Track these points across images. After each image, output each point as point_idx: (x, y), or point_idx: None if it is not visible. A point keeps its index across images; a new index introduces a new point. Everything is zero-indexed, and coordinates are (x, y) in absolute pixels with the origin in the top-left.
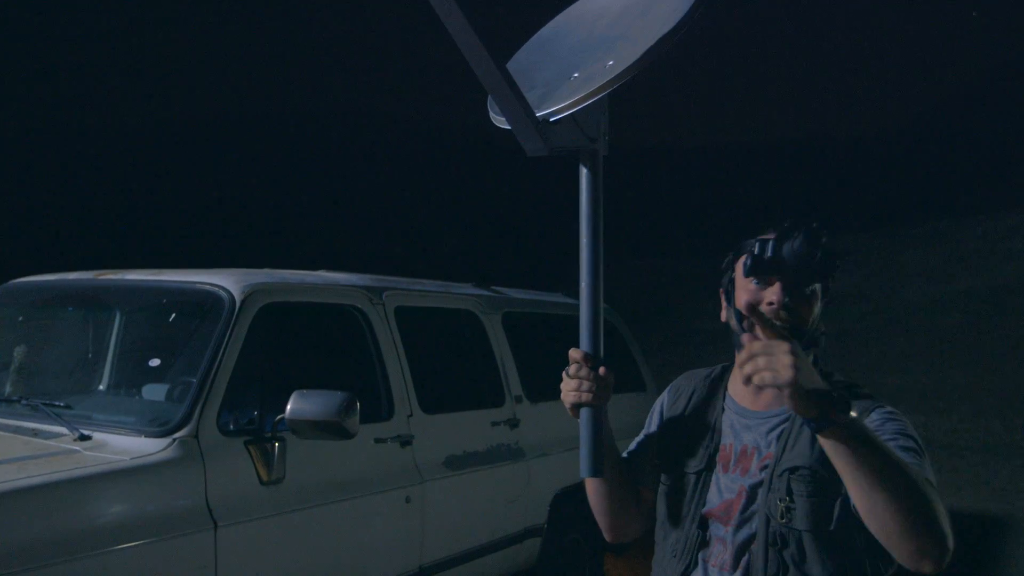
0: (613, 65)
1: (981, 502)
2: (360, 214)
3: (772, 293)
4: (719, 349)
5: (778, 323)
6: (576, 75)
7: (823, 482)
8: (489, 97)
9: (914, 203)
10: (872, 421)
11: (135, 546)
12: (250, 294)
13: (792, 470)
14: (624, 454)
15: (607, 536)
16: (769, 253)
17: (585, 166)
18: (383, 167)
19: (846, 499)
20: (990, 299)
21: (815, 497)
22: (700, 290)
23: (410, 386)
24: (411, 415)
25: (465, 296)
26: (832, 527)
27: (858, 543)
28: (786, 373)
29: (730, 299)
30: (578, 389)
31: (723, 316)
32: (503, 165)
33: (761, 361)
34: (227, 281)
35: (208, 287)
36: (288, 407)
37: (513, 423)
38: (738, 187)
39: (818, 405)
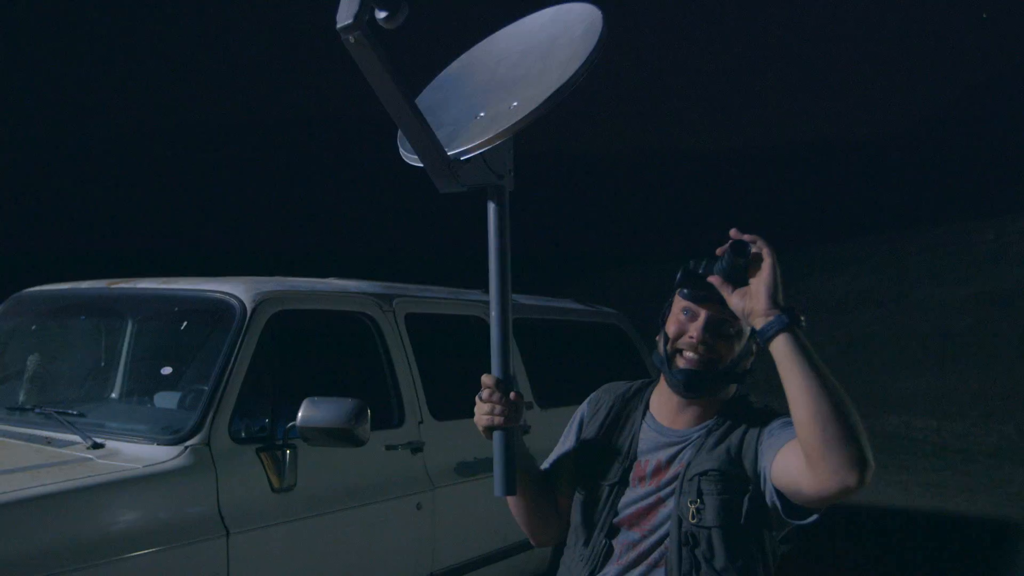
0: (517, 106)
1: (994, 506)
2: (370, 221)
3: (695, 328)
4: None
5: (693, 355)
6: (482, 114)
7: (732, 480)
8: (399, 135)
9: (924, 206)
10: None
11: (147, 554)
12: (261, 302)
13: (702, 473)
14: (544, 464)
15: (532, 541)
16: (701, 269)
17: (493, 201)
18: (393, 174)
19: (753, 496)
20: (1002, 302)
21: (725, 495)
22: None
23: (420, 393)
24: (421, 422)
25: (475, 303)
26: (742, 521)
27: (763, 534)
28: (768, 257)
29: (663, 324)
30: (491, 413)
31: (657, 338)
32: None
33: (760, 242)
34: (238, 289)
35: (219, 295)
36: (299, 414)
37: (524, 430)
38: (746, 191)
39: (784, 306)
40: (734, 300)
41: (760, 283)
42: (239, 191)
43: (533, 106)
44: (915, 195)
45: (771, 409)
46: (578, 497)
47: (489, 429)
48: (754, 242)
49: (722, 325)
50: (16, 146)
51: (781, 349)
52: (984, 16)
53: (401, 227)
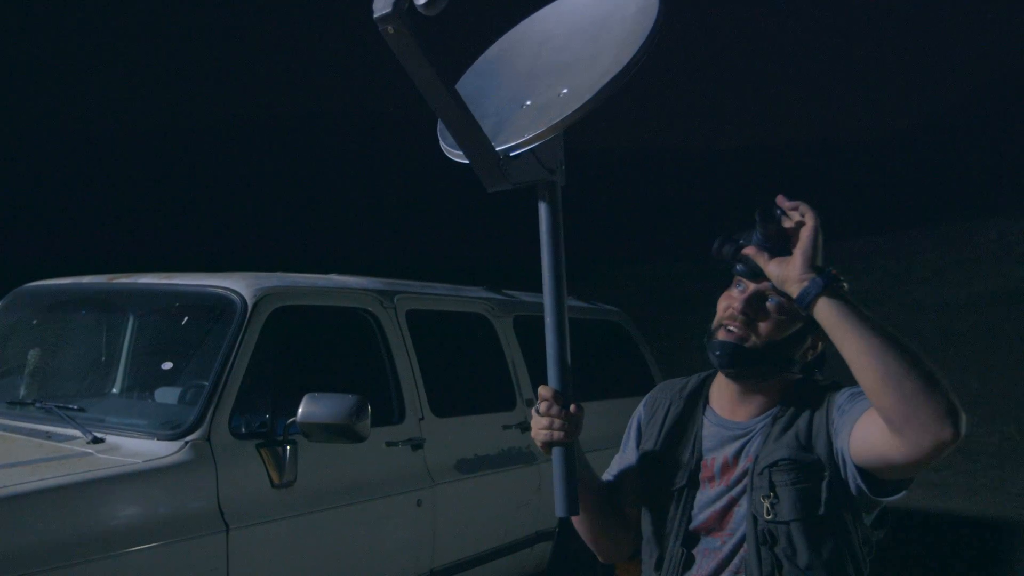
0: (568, 94)
1: (997, 507)
2: (371, 217)
3: (737, 299)
4: None
5: (732, 327)
6: (528, 103)
7: (806, 468)
8: (439, 129)
9: (926, 205)
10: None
11: (147, 548)
12: (262, 298)
13: (772, 464)
14: (606, 476)
15: (600, 558)
16: (741, 240)
17: (543, 199)
18: (395, 170)
19: (832, 480)
20: (1005, 302)
21: (800, 484)
22: (715, 292)
23: (421, 389)
24: (422, 418)
25: (476, 299)
26: (822, 511)
27: (848, 524)
28: (811, 221)
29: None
30: (549, 427)
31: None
32: None
33: (803, 207)
34: (239, 285)
35: (220, 291)
36: (299, 410)
37: (525, 427)
38: (750, 190)
39: (820, 268)
40: (771, 268)
41: (798, 248)
42: (242, 187)
43: (589, 94)
44: (917, 195)
45: (838, 384)
46: (647, 507)
47: (548, 444)
48: (796, 208)
49: (765, 299)
50: (18, 141)
51: (826, 313)
52: (988, 15)
53: (404, 224)
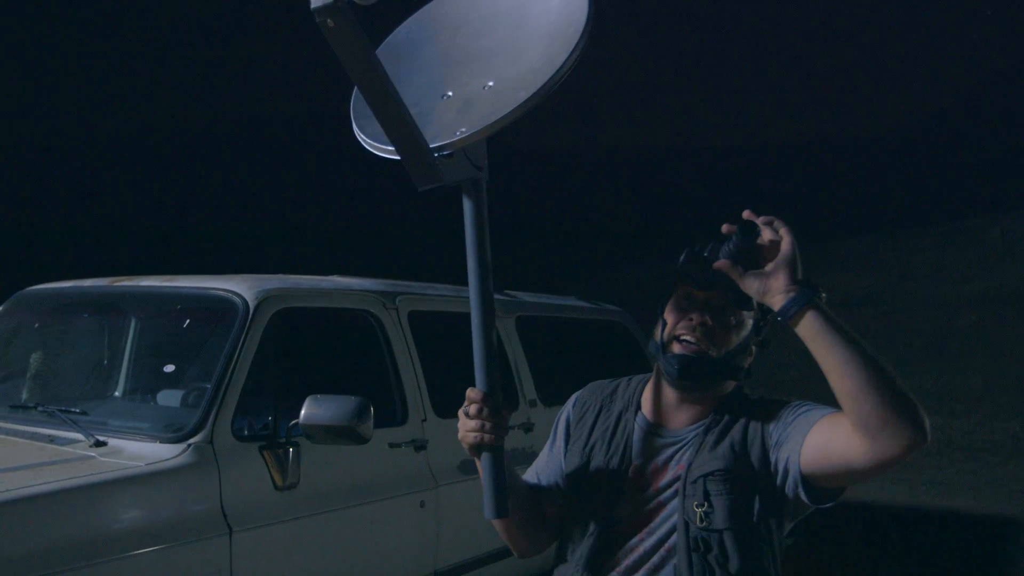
0: (493, 88)
1: (999, 504)
2: (373, 219)
3: (695, 312)
4: None
5: (691, 339)
6: (449, 94)
7: (739, 478)
8: (355, 117)
9: (928, 203)
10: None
11: (150, 552)
12: (263, 300)
13: (707, 475)
14: (529, 474)
15: (516, 554)
16: (707, 252)
17: (469, 195)
18: (394, 171)
19: (763, 491)
20: (1007, 299)
21: (734, 494)
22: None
23: (424, 390)
24: (425, 419)
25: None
26: (754, 519)
27: (772, 531)
28: (787, 235)
29: (662, 311)
30: (479, 430)
31: (655, 326)
32: (515, 167)
33: (777, 222)
34: (240, 287)
35: (222, 293)
36: (302, 412)
37: (527, 427)
38: (750, 188)
39: (803, 280)
40: (748, 281)
41: (780, 260)
42: (244, 189)
43: (523, 92)
44: (919, 192)
45: (770, 399)
46: (572, 506)
47: (477, 447)
48: (770, 223)
49: (724, 312)
50: (19, 143)
51: (811, 324)
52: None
53: (406, 225)
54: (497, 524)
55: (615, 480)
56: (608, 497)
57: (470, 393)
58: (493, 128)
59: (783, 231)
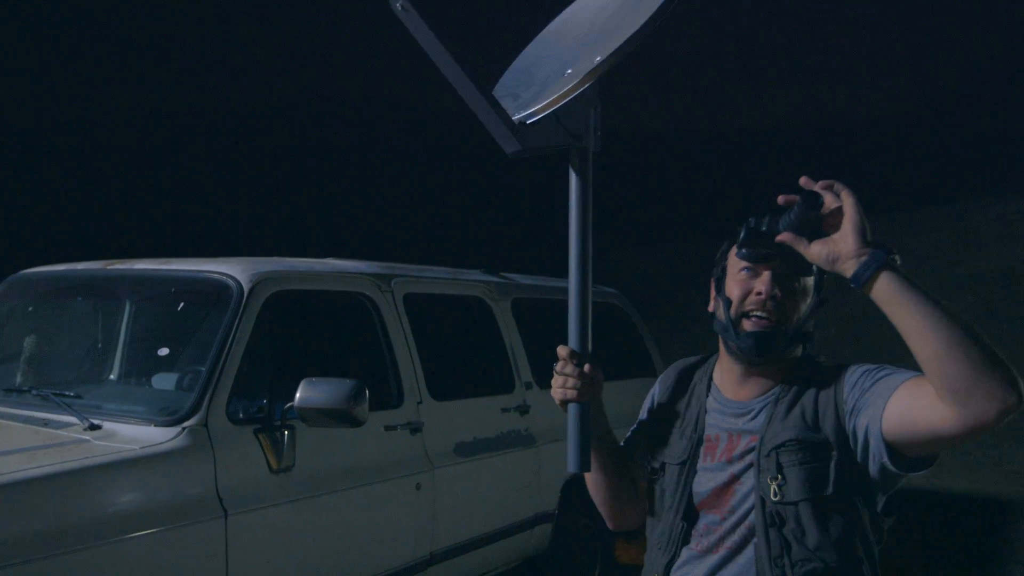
0: (599, 61)
1: (997, 485)
2: (369, 201)
3: (761, 283)
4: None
5: (763, 314)
6: (569, 71)
7: (813, 448)
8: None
9: (926, 185)
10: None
11: (145, 535)
12: (258, 282)
13: (779, 446)
14: (622, 443)
15: (609, 524)
16: (764, 227)
17: (572, 165)
18: (392, 154)
19: (840, 460)
20: (1003, 282)
21: (807, 464)
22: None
23: (419, 373)
24: (421, 402)
25: (474, 283)
26: (830, 491)
27: (856, 502)
28: (850, 197)
29: (720, 289)
30: (563, 386)
31: (711, 306)
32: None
33: (838, 186)
34: (235, 270)
35: (216, 276)
36: (297, 395)
37: (523, 409)
38: (746, 172)
39: (873, 243)
40: (815, 250)
41: (847, 224)
42: (239, 172)
43: (601, 56)
44: (917, 174)
45: (841, 364)
46: (650, 480)
47: (564, 402)
48: (830, 187)
49: (789, 280)
50: (12, 127)
51: (887, 287)
52: None
53: (402, 207)
54: (592, 488)
55: (688, 452)
56: (685, 471)
57: (560, 350)
58: (566, 94)
59: (844, 194)
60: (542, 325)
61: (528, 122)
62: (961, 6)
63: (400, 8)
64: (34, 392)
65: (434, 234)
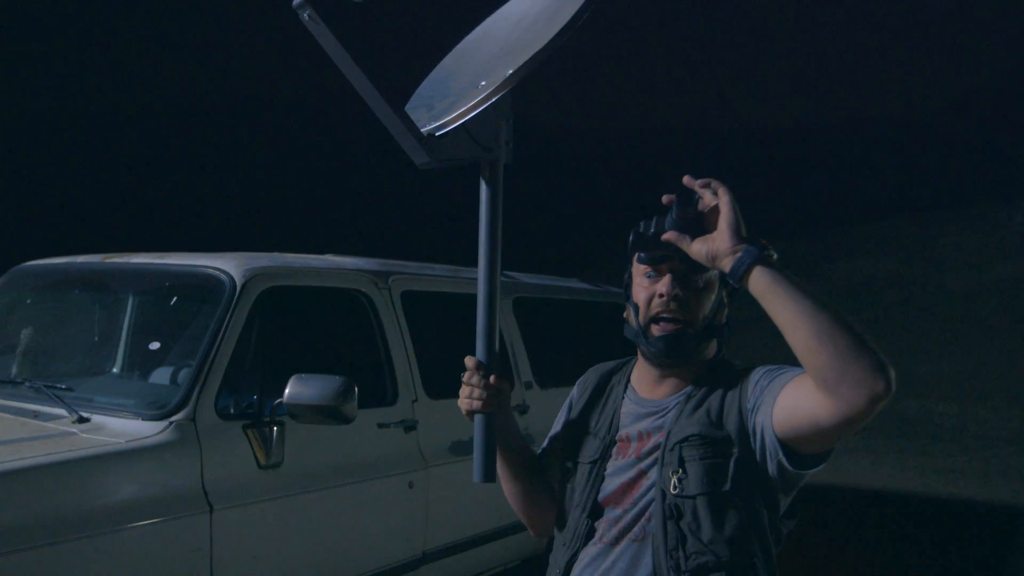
0: (511, 74)
1: (1010, 493)
2: (368, 198)
3: (663, 284)
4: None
5: (667, 315)
6: (483, 83)
7: (714, 444)
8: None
9: (951, 189)
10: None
11: (128, 528)
12: (251, 278)
13: (682, 440)
14: (540, 451)
15: (531, 532)
16: (652, 228)
17: (482, 176)
18: (390, 151)
19: (741, 458)
20: None
21: (707, 459)
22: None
23: (415, 371)
24: (415, 400)
25: (474, 281)
26: (727, 486)
27: (755, 500)
28: (725, 195)
29: (628, 296)
30: (469, 396)
31: (625, 313)
32: (536, 148)
33: (715, 183)
34: (229, 265)
35: (209, 270)
36: (286, 391)
37: (522, 409)
38: (770, 172)
39: (748, 238)
40: (696, 248)
41: (722, 222)
42: (238, 166)
43: (512, 69)
44: (942, 177)
45: (751, 367)
46: (563, 479)
47: (469, 412)
48: (707, 185)
49: (688, 278)
50: (11, 120)
51: (760, 281)
52: None
53: (400, 204)
54: (509, 496)
55: (600, 450)
56: (596, 469)
57: (467, 361)
58: (473, 107)
59: (721, 191)
60: (544, 325)
61: (437, 134)
62: (991, 8)
63: (307, 18)
64: (27, 384)
65: (440, 232)
